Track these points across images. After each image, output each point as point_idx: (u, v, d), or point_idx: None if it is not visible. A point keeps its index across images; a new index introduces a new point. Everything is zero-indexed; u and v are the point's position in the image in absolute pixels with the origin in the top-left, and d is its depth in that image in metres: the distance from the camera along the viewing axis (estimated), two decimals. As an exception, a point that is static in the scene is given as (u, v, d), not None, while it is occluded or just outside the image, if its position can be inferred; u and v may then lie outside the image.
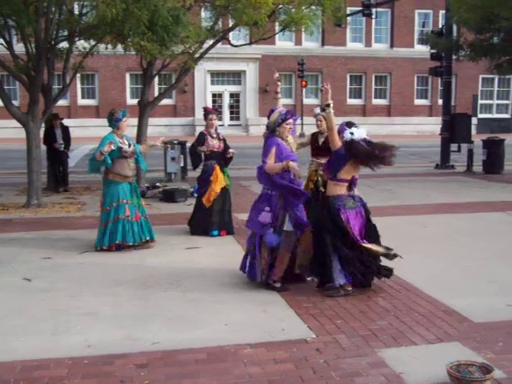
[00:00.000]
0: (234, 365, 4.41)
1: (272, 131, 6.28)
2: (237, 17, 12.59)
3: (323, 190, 8.33)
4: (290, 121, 6.26)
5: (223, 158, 8.97)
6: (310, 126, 7.54)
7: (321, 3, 13.35)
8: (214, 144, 8.80)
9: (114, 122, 7.94)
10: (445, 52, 19.44)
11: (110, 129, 8.06)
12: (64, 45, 12.61)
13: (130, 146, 8.00)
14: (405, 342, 4.87)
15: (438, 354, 4.59)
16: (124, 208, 7.87)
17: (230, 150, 8.93)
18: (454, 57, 19.24)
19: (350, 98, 38.97)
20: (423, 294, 6.12)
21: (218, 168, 8.82)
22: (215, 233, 8.88)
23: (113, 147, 7.72)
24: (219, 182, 8.80)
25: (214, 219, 8.85)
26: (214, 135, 8.87)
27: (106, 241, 7.88)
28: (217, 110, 9.23)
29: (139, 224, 8.00)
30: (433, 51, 20.31)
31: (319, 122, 8.56)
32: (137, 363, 4.44)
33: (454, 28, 19.19)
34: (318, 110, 8.67)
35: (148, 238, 8.10)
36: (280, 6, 13.05)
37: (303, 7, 13.72)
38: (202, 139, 8.81)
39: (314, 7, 13.73)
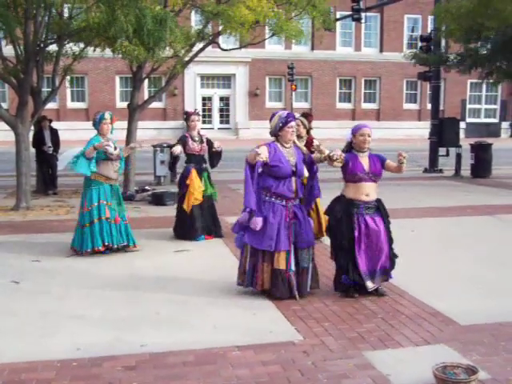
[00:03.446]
0: (221, 367, 4.43)
1: (274, 136, 6.13)
2: (223, 25, 12.68)
3: None
4: (292, 124, 6.05)
5: (210, 156, 8.94)
6: (299, 130, 7.52)
7: (308, 12, 13.41)
8: (195, 147, 8.74)
9: (94, 124, 8.01)
10: (434, 66, 19.51)
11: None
12: (53, 48, 12.60)
13: (115, 148, 8.01)
14: (392, 344, 4.90)
15: (425, 355, 4.62)
16: (104, 209, 7.85)
17: (216, 144, 8.79)
18: (442, 67, 19.37)
19: (340, 102, 39.18)
20: (410, 296, 6.17)
21: (194, 172, 8.71)
22: (201, 238, 8.82)
23: (108, 148, 7.75)
24: (196, 186, 8.71)
25: (197, 225, 8.76)
26: (196, 138, 8.81)
27: (98, 242, 7.80)
28: (198, 113, 9.11)
29: (118, 227, 7.96)
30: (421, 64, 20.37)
31: (297, 127, 8.63)
32: (125, 365, 4.45)
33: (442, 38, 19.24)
34: (296, 114, 8.73)
35: (126, 243, 8.01)
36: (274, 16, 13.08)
37: (293, 13, 13.79)
38: (183, 142, 8.75)
39: (302, 13, 13.78)
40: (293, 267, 5.99)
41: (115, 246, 7.91)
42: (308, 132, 8.74)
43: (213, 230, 8.98)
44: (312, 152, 7.08)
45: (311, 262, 6.17)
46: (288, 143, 6.11)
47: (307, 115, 8.86)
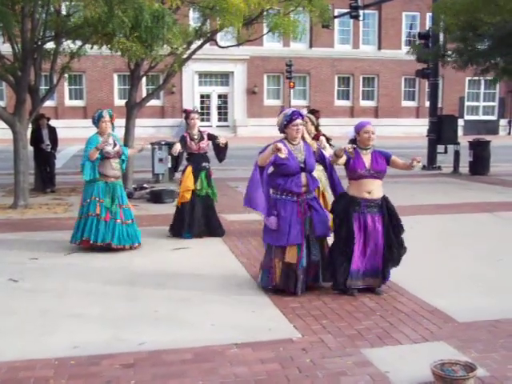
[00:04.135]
0: (220, 365, 4.43)
1: (283, 133, 6.18)
2: (220, 19, 12.65)
3: None
4: (298, 121, 6.04)
5: (216, 151, 8.93)
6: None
7: (305, 6, 13.41)
8: (192, 146, 8.69)
9: (93, 122, 8.06)
10: (432, 61, 19.52)
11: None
12: (51, 45, 12.57)
13: (114, 146, 8.02)
14: (390, 341, 4.91)
15: (423, 353, 4.62)
16: (95, 205, 7.89)
17: (221, 140, 8.74)
18: (440, 62, 19.37)
19: (338, 99, 39.17)
20: (409, 294, 6.17)
21: (188, 169, 8.70)
22: (187, 236, 8.75)
23: (105, 147, 7.79)
24: (188, 182, 8.67)
25: (183, 222, 8.75)
26: (196, 136, 8.77)
27: (78, 236, 7.93)
28: (197, 111, 9.09)
29: (107, 225, 7.93)
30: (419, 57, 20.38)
31: (305, 124, 8.56)
32: (123, 363, 4.45)
33: (440, 33, 19.22)
34: (304, 111, 8.63)
35: (111, 242, 7.92)
36: (268, 8, 13.05)
37: (291, 8, 13.77)
38: (183, 143, 8.70)
39: (300, 9, 13.76)
40: (304, 263, 6.03)
41: (99, 243, 7.88)
42: (317, 128, 8.68)
43: (206, 230, 8.87)
44: None
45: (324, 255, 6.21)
46: (295, 140, 6.13)
47: (314, 111, 8.81)
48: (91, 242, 7.86)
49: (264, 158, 5.95)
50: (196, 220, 8.76)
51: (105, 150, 7.86)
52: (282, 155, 5.76)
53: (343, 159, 6.04)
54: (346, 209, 6.06)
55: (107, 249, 7.91)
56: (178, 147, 8.55)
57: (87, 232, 7.86)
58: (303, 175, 6.06)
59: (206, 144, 8.82)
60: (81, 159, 8.08)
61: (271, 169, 6.16)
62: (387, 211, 6.14)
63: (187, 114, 8.86)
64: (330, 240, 6.30)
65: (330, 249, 6.25)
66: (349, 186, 6.19)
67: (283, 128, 6.12)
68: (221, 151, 8.94)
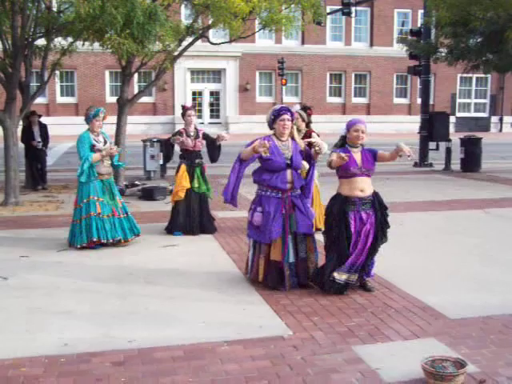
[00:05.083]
0: (210, 362, 4.42)
1: (271, 129, 6.22)
2: (214, 17, 12.62)
3: None
4: (285, 116, 6.05)
5: (209, 150, 8.93)
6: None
7: (300, 3, 13.39)
8: (188, 143, 8.68)
9: (86, 118, 8.01)
10: (423, 53, 19.58)
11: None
12: (42, 42, 12.52)
13: (105, 143, 8.01)
14: (381, 338, 4.91)
15: (414, 349, 4.63)
16: (95, 205, 7.86)
17: (224, 134, 8.74)
18: (431, 58, 19.42)
19: (330, 96, 39.18)
20: (399, 290, 6.17)
21: (182, 167, 8.70)
22: (177, 233, 8.76)
23: (98, 145, 7.84)
24: (183, 181, 8.67)
25: (176, 220, 8.77)
26: (192, 133, 8.76)
27: (84, 238, 7.85)
28: (195, 107, 9.13)
29: (112, 222, 7.96)
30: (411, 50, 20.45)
31: (295, 120, 8.53)
32: (114, 361, 4.43)
33: (432, 29, 19.24)
34: (296, 107, 8.60)
35: (121, 237, 8.02)
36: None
37: (283, 7, 13.75)
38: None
39: (293, 6, 13.74)
40: (290, 259, 6.08)
41: (110, 240, 7.92)
42: (308, 125, 8.62)
43: (199, 227, 8.85)
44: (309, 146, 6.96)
45: (312, 254, 6.22)
46: (283, 136, 6.15)
47: (306, 108, 8.75)
48: (102, 241, 7.86)
49: (246, 154, 6.06)
50: (191, 218, 8.77)
51: (96, 148, 7.85)
52: (266, 154, 5.83)
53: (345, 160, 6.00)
54: (341, 210, 5.99)
55: (102, 245, 7.92)
56: (180, 138, 8.55)
57: (96, 232, 7.82)
58: (289, 172, 6.08)
59: (200, 142, 8.81)
60: (74, 157, 8.06)
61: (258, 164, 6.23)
62: (378, 206, 6.10)
63: (184, 110, 8.83)
64: (321, 239, 6.30)
65: (325, 250, 6.21)
66: (340, 186, 6.10)
67: (271, 123, 6.17)
68: (215, 151, 8.92)
